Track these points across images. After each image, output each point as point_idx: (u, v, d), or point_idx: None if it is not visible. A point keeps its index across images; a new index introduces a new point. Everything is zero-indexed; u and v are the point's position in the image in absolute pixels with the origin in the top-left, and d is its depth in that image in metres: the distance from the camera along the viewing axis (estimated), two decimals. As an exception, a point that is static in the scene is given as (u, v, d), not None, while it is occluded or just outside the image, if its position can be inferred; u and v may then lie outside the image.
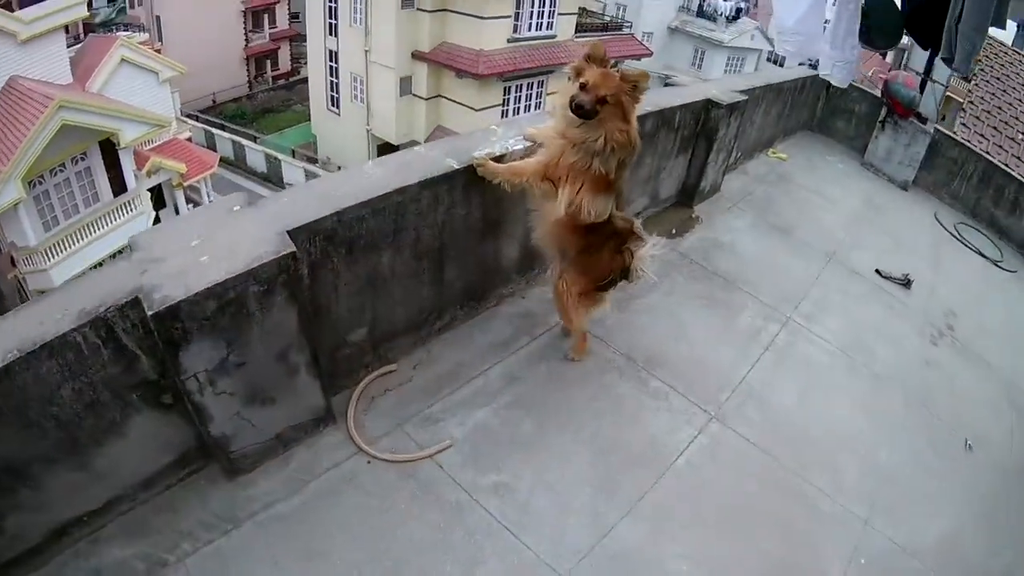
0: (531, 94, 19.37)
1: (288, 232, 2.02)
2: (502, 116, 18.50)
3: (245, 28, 27.85)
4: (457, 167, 2.53)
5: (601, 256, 2.63)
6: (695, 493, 2.61)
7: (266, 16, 28.86)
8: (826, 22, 6.17)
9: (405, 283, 2.66)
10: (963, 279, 5.38)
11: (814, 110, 7.50)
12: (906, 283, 4.64)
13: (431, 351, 2.93)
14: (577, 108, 2.23)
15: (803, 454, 2.95)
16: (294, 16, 29.34)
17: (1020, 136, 8.32)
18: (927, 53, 6.43)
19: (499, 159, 2.62)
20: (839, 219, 5.44)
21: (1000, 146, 8.46)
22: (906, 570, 2.60)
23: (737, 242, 4.51)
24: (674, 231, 4.43)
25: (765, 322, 3.76)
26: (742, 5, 31.23)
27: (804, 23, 6.05)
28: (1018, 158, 7.90)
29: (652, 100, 3.75)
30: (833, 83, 6.47)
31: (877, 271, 4.69)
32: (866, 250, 5.01)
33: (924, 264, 5.20)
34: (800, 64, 6.88)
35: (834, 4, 5.99)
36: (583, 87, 2.22)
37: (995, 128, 8.43)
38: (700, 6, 29.89)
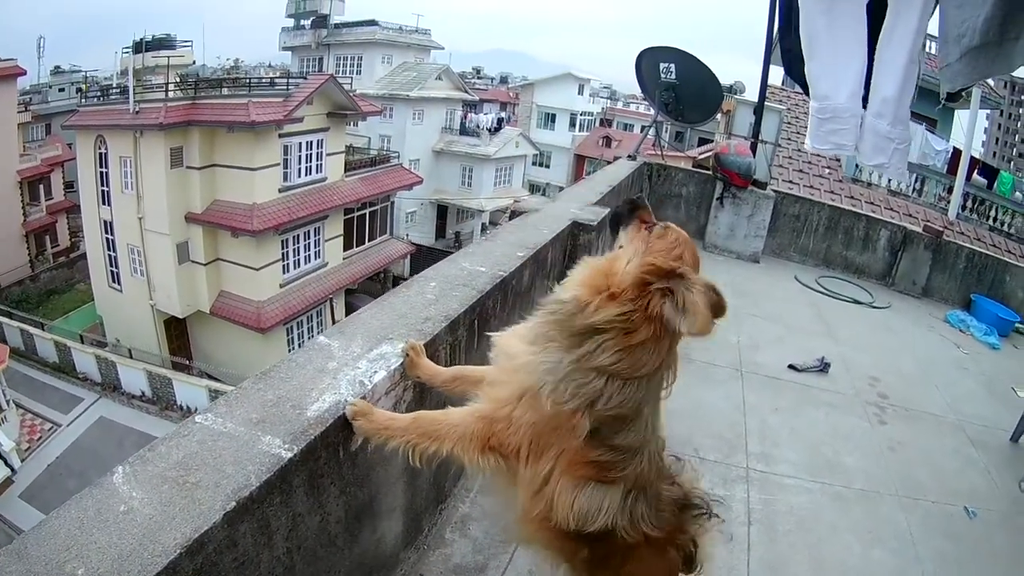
0: (308, 243, 18.86)
1: None
2: (283, 271, 17.91)
3: (23, 201, 25.07)
4: (290, 454, 1.35)
5: (641, 564, 1.53)
6: None
7: (41, 187, 26.20)
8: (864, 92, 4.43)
9: None
10: (858, 337, 5.52)
11: (639, 204, 7.29)
12: (823, 368, 4.60)
13: None
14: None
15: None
16: (68, 186, 26.62)
17: (826, 171, 9.38)
18: (749, 117, 6.58)
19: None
20: (720, 321, 5.42)
21: (811, 186, 9.44)
22: None
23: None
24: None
25: (728, 488, 3.38)
26: (502, 116, 33.49)
27: (855, 98, 4.35)
28: (832, 192, 8.81)
29: (519, 239, 3.23)
30: (891, 176, 5.16)
31: (791, 367, 4.61)
32: (764, 348, 4.94)
33: (820, 339, 5.28)
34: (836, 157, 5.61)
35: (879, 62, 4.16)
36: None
37: (801, 171, 9.43)
38: (462, 124, 30.26)
